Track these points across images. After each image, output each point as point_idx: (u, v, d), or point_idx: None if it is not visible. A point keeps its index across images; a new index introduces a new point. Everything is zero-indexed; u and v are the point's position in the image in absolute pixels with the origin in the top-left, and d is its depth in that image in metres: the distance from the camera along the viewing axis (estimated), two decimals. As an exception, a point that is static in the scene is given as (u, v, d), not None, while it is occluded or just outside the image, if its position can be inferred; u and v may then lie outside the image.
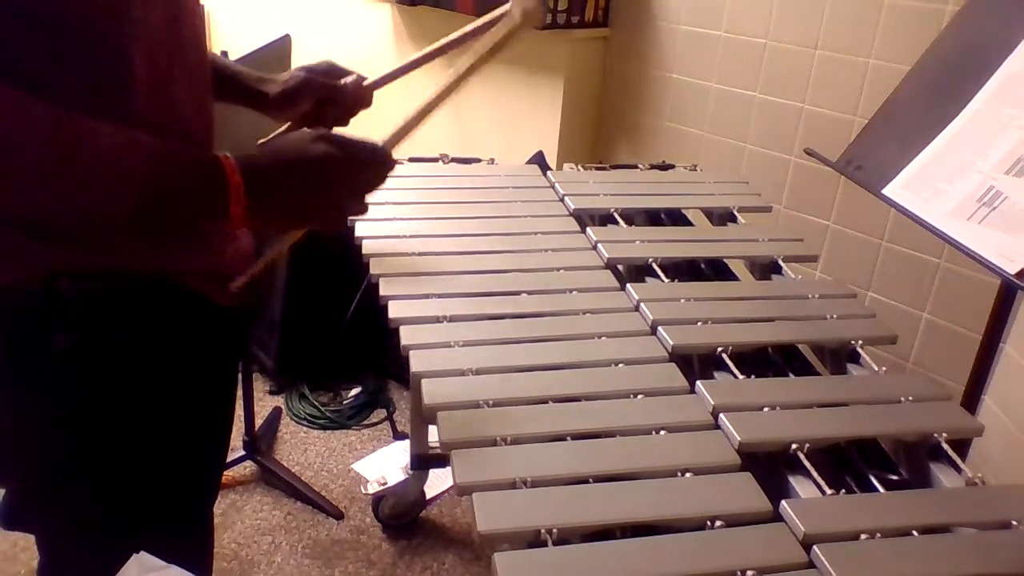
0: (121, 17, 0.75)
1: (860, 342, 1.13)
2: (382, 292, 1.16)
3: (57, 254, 0.79)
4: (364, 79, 1.19)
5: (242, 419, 2.11)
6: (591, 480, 0.84)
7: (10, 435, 0.86)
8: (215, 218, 0.77)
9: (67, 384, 0.84)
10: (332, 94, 1.15)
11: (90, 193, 0.71)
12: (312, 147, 0.80)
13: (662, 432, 0.92)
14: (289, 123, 1.18)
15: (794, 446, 0.91)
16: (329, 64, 1.17)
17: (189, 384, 0.92)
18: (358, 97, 1.17)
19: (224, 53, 2.71)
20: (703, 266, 1.36)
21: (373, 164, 0.84)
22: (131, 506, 0.90)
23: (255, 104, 1.13)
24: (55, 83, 0.72)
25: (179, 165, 0.75)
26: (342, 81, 1.16)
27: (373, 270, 1.21)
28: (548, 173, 1.63)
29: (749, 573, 0.74)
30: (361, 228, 1.32)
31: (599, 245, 1.33)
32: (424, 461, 1.86)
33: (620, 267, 1.30)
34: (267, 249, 0.91)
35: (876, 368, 1.09)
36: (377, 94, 1.21)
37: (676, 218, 1.52)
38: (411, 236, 1.32)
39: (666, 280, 1.26)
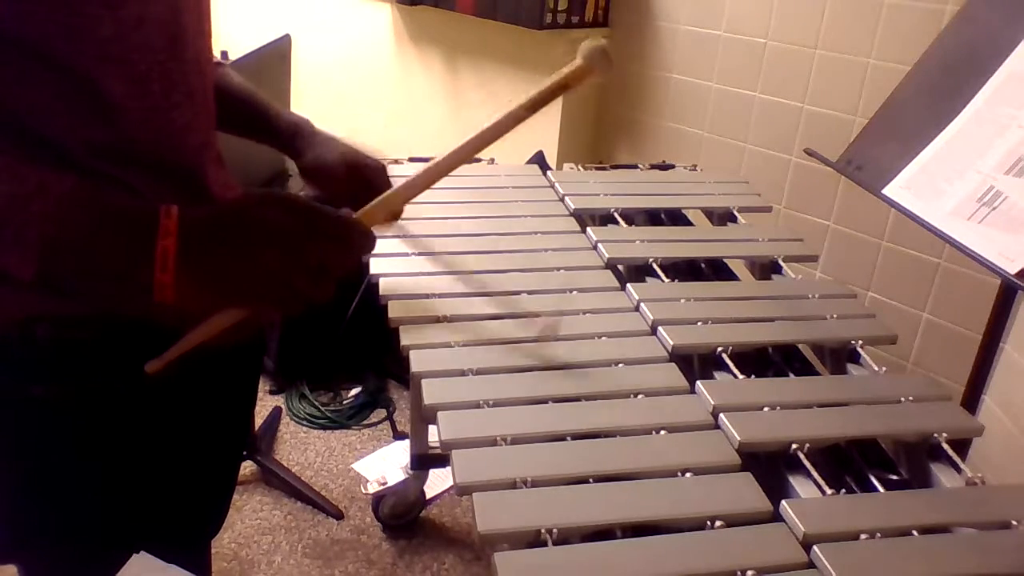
0: (85, 38, 0.68)
1: (860, 342, 1.13)
2: (382, 292, 1.16)
3: (28, 298, 0.73)
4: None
5: (242, 419, 2.11)
6: (591, 480, 0.84)
7: None
8: (138, 285, 0.63)
9: (45, 435, 0.80)
10: (369, 195, 1.01)
11: None
12: (260, 212, 0.65)
13: (662, 432, 0.92)
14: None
15: (794, 446, 0.91)
16: (379, 165, 1.03)
17: (184, 424, 0.88)
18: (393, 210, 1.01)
19: (224, 53, 2.72)
20: (703, 266, 1.36)
21: (337, 240, 0.68)
22: (120, 541, 0.87)
23: (287, 154, 1.06)
24: (21, 101, 0.68)
25: (95, 220, 0.63)
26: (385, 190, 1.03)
27: (373, 270, 1.21)
28: (548, 173, 1.63)
29: (749, 573, 0.74)
30: (361, 228, 1.32)
31: (599, 245, 1.33)
32: (424, 461, 1.86)
33: (620, 267, 1.30)
34: (198, 326, 0.72)
35: (876, 368, 1.09)
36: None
37: (676, 218, 1.52)
38: (411, 236, 1.32)
39: (666, 280, 1.26)
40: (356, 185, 1.00)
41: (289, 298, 0.66)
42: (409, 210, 1.40)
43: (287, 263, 0.64)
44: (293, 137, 1.04)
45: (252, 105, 1.04)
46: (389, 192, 0.77)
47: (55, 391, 0.78)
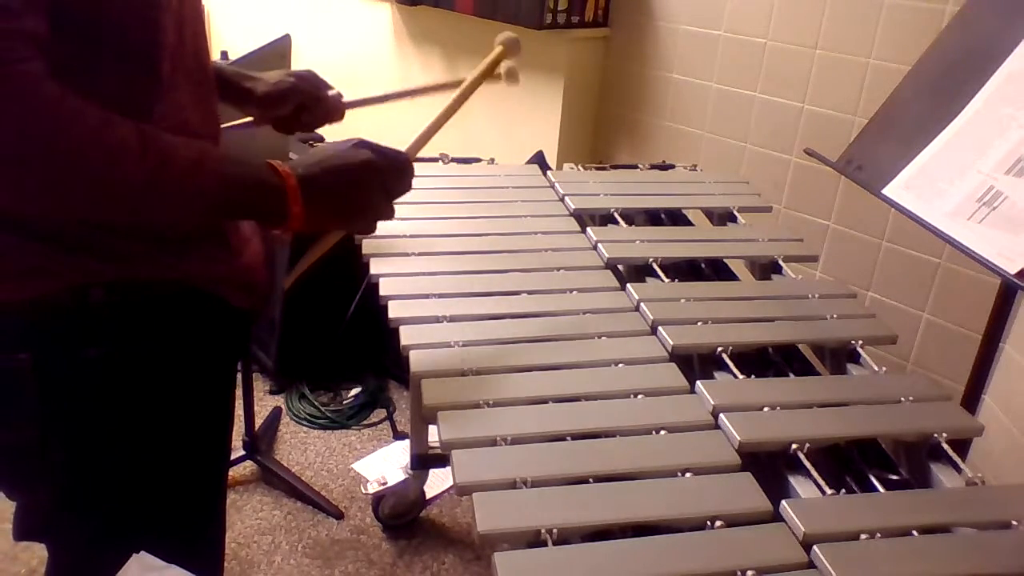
0: (151, 27, 0.76)
1: (860, 342, 1.13)
2: (382, 292, 1.16)
3: (86, 265, 0.79)
4: (341, 95, 1.26)
5: (242, 419, 2.11)
6: (591, 480, 0.84)
7: (35, 450, 0.85)
8: (275, 221, 0.81)
9: (95, 396, 0.83)
10: (314, 103, 1.20)
11: (173, 203, 0.74)
12: (356, 153, 0.86)
13: (662, 432, 0.93)
14: (253, 118, 1.21)
15: (794, 446, 0.91)
16: (312, 73, 1.22)
17: (202, 386, 0.93)
18: (334, 110, 1.24)
19: (224, 53, 2.72)
20: (703, 266, 1.36)
21: (405, 171, 0.91)
22: (144, 511, 0.90)
23: (237, 100, 1.14)
24: (85, 91, 0.70)
25: (244, 171, 0.79)
26: (326, 93, 1.21)
27: (373, 270, 1.21)
28: (548, 173, 1.63)
29: (749, 573, 0.74)
30: (361, 228, 1.32)
31: (599, 245, 1.33)
32: (424, 461, 1.86)
33: (620, 267, 1.30)
34: (311, 248, 0.98)
35: (876, 368, 1.09)
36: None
37: (676, 218, 1.52)
38: (411, 236, 1.32)
39: (666, 280, 1.26)
40: (301, 102, 1.19)
41: (373, 219, 0.89)
42: (409, 210, 1.41)
43: (378, 193, 0.88)
44: (243, 80, 1.15)
45: None
46: (417, 136, 1.03)
47: (109, 353, 0.83)
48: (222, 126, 1.23)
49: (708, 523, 0.81)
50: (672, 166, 1.75)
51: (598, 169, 1.72)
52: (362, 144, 0.87)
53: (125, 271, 0.81)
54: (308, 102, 1.19)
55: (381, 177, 0.87)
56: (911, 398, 1.01)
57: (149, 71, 0.78)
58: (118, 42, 0.75)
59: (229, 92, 1.13)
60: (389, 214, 0.90)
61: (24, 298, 0.79)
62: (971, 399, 1.52)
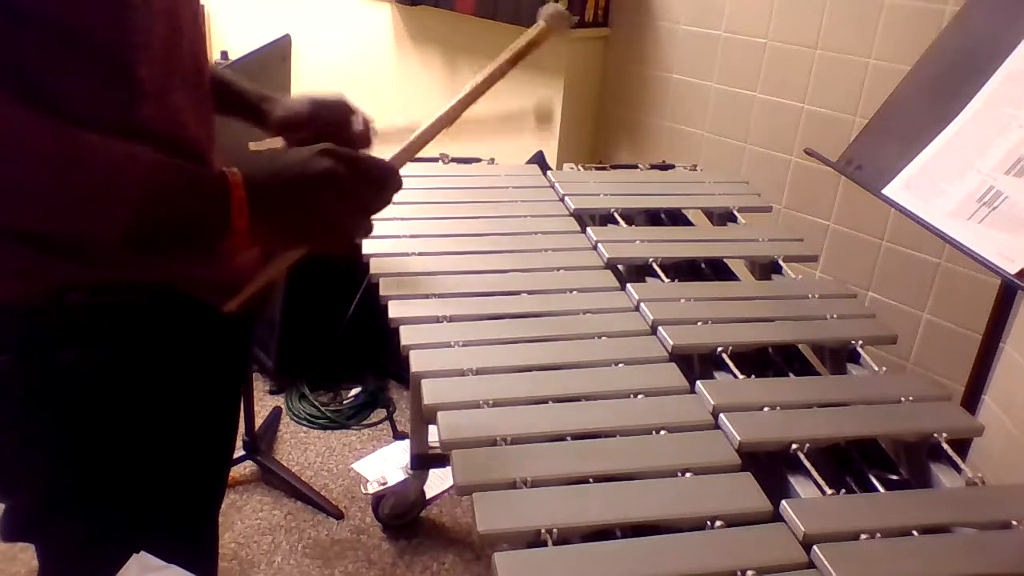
0: (125, 28, 0.74)
1: (860, 342, 1.13)
2: (382, 292, 1.16)
3: (68, 268, 0.78)
4: (371, 122, 1.13)
5: (242, 419, 2.11)
6: (591, 480, 0.84)
7: (17, 452, 0.84)
8: (218, 233, 0.74)
9: (75, 399, 0.83)
10: (336, 131, 1.09)
11: (85, 210, 0.69)
12: (316, 162, 0.76)
13: (662, 432, 0.93)
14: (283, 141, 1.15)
15: (794, 446, 0.91)
16: (340, 100, 1.12)
17: (195, 392, 0.92)
18: (360, 138, 1.12)
19: (224, 53, 2.72)
20: (703, 266, 1.36)
21: (378, 182, 0.80)
22: (137, 514, 0.89)
23: (252, 120, 1.11)
24: (57, 91, 0.71)
25: (180, 179, 0.73)
26: (351, 121, 1.11)
27: (373, 270, 1.21)
28: (548, 173, 1.63)
29: (749, 573, 0.74)
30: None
31: (599, 245, 1.33)
32: (424, 461, 1.86)
33: (620, 267, 1.30)
34: (266, 267, 0.85)
35: (876, 368, 1.09)
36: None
37: (676, 218, 1.52)
38: (411, 236, 1.32)
39: (666, 280, 1.26)
40: (321, 122, 1.09)
41: (340, 236, 0.78)
42: (409, 210, 1.41)
43: (341, 205, 0.77)
44: (262, 101, 1.10)
45: (226, 83, 1.08)
46: (409, 140, 0.88)
47: (84, 355, 0.81)
48: (258, 145, 1.21)
49: (708, 523, 0.81)
50: (672, 166, 1.75)
51: (598, 169, 1.72)
52: (326, 152, 0.77)
53: (108, 274, 0.79)
54: (328, 131, 1.07)
55: (346, 189, 0.77)
56: (911, 398, 1.01)
57: (124, 72, 0.75)
58: (87, 43, 0.72)
59: (244, 109, 1.10)
60: (364, 230, 0.79)
61: (4, 300, 0.78)
62: (971, 399, 1.51)
